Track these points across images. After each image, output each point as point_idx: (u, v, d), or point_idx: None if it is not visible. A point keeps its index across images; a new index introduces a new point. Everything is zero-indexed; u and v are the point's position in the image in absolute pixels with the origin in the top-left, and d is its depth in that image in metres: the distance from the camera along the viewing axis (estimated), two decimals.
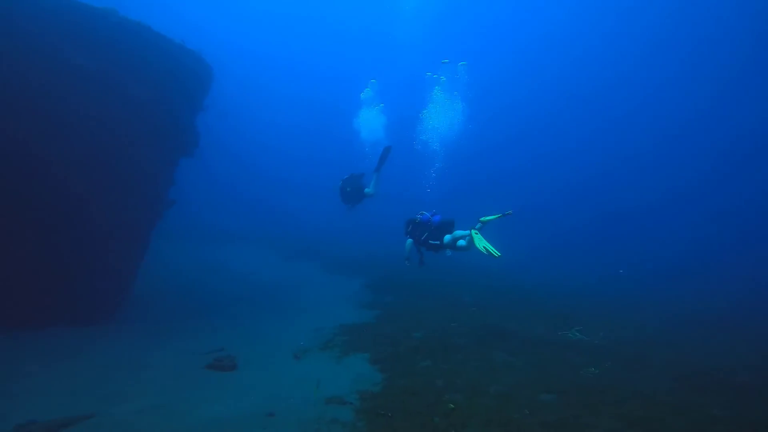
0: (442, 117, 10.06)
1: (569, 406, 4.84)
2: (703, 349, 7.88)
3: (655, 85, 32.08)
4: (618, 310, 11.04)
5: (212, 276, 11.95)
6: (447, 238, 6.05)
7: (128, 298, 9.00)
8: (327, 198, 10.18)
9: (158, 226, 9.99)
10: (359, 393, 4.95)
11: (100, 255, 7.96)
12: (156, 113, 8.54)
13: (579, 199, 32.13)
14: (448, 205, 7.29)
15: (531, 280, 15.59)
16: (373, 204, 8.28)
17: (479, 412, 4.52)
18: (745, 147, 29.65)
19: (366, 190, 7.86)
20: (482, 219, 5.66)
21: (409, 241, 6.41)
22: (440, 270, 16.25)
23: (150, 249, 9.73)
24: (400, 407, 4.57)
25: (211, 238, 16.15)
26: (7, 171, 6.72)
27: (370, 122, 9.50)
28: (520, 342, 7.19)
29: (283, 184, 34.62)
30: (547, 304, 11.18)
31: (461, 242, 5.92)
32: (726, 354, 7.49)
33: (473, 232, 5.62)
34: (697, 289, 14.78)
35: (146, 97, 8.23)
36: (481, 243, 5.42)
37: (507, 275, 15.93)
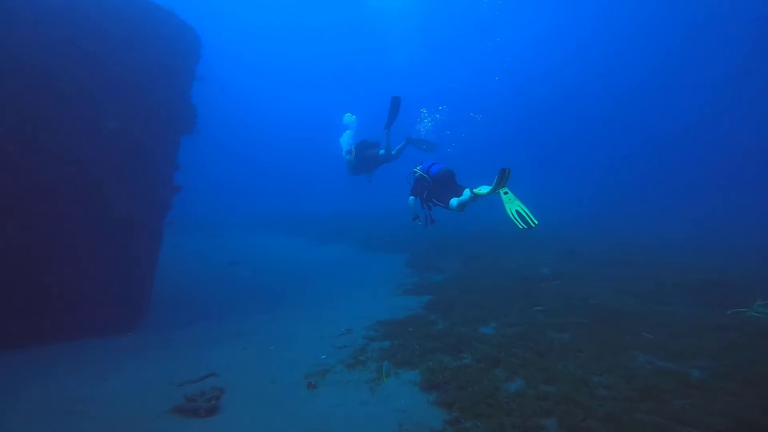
0: None
1: None
2: None
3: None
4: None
5: (229, 271, 10.37)
6: (454, 202, 4.75)
7: (147, 301, 7.64)
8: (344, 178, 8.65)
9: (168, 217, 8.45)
10: None
11: (110, 255, 6.61)
12: (139, 84, 6.93)
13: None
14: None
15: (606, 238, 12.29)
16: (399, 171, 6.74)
17: None
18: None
19: (393, 151, 6.97)
20: (476, 190, 4.35)
21: (411, 198, 5.46)
22: (496, 232, 13.54)
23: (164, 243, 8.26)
24: None
25: (227, 228, 14.77)
26: None
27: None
28: (666, 335, 4.45)
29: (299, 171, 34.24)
30: (665, 267, 8.07)
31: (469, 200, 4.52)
32: None
33: (502, 191, 4.12)
34: None
35: (122, 66, 6.63)
36: (513, 205, 4.00)
37: (566, 233, 12.76)
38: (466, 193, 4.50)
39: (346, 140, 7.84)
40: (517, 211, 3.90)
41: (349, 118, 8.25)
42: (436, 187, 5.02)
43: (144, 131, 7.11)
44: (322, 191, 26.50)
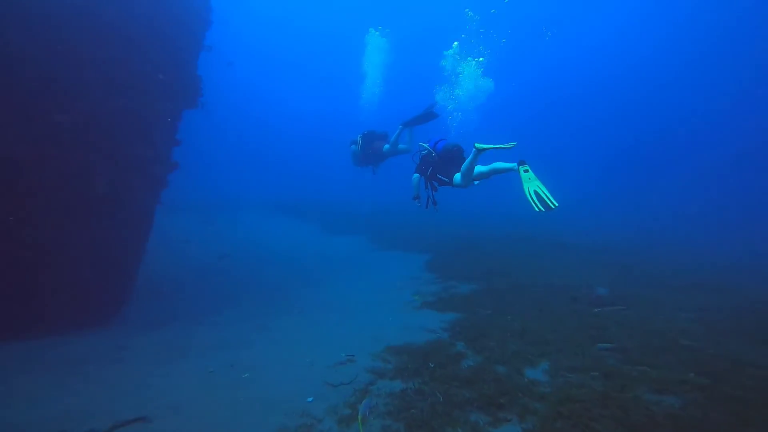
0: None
1: None
2: None
3: None
4: None
5: (220, 264, 9.28)
6: (457, 178, 4.51)
7: (129, 293, 6.67)
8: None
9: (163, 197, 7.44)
10: None
11: (89, 239, 5.68)
12: (142, 49, 5.90)
13: None
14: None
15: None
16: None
17: None
18: None
19: (400, 146, 6.16)
20: (478, 145, 4.11)
21: (415, 176, 5.16)
22: (531, 238, 11.86)
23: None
24: None
25: (232, 210, 13.77)
26: None
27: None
28: None
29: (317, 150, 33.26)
30: None
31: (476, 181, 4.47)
32: None
33: (522, 169, 3.89)
34: None
35: (129, 30, 5.67)
36: (532, 184, 3.78)
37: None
38: (467, 161, 4.26)
39: (366, 98, 6.55)
40: (535, 192, 3.72)
41: (373, 48, 6.79)
42: (442, 163, 4.74)
43: (136, 99, 6.04)
44: (337, 181, 25.54)
